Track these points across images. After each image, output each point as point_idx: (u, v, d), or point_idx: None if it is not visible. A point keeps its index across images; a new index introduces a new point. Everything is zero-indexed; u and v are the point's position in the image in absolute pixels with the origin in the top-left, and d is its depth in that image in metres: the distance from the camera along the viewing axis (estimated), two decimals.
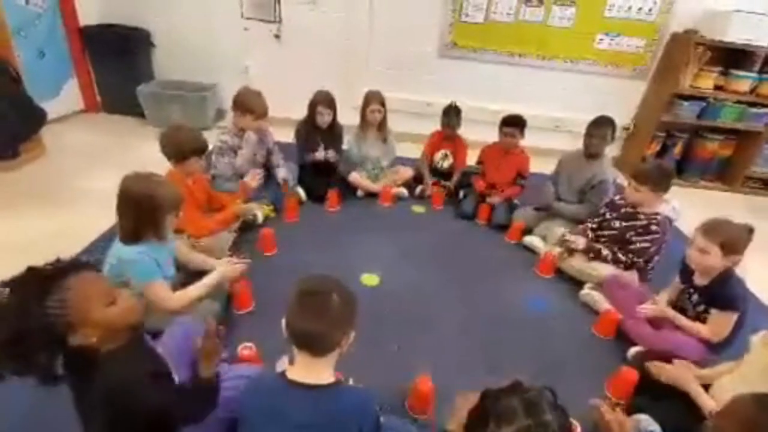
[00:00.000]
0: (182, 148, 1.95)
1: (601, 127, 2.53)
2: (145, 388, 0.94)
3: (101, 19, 3.80)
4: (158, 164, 1.95)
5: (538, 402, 0.83)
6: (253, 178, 2.47)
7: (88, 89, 3.93)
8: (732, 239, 1.63)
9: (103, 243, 1.92)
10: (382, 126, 3.02)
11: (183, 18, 3.86)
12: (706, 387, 1.45)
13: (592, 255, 2.29)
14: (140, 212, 1.43)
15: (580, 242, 2.32)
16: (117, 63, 3.77)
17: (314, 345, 0.98)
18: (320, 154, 2.92)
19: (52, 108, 3.34)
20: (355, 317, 1.03)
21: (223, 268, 1.76)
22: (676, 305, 1.88)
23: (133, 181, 1.45)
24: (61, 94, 3.69)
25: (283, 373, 1.01)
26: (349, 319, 1.01)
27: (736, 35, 3.36)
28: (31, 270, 0.89)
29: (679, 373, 1.46)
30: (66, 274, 0.89)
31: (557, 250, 2.42)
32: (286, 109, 3.24)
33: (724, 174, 4.04)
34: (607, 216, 2.36)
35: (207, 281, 1.66)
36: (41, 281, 0.87)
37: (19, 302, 0.83)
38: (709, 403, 1.35)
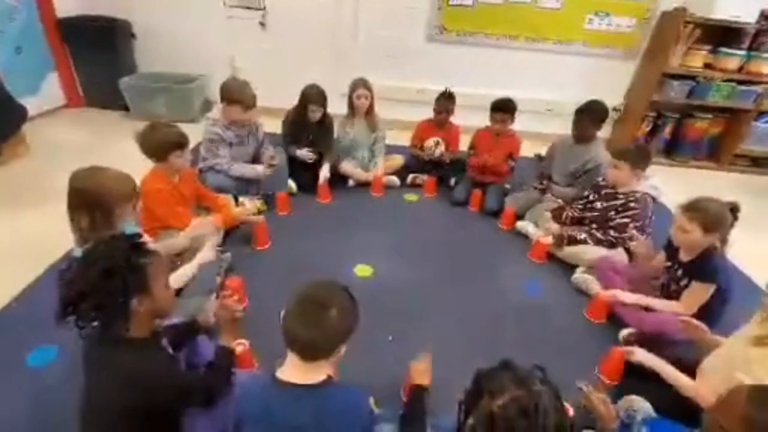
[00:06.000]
0: (161, 145, 1.89)
1: (586, 113, 2.55)
2: (168, 374, 1.10)
3: (79, 11, 3.68)
4: (143, 158, 1.91)
5: (528, 376, 0.87)
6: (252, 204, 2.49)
7: (70, 84, 3.84)
8: (712, 217, 1.65)
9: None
10: (370, 112, 2.98)
11: (164, 8, 3.76)
12: (694, 368, 1.48)
13: (566, 242, 2.33)
14: (92, 208, 1.39)
15: (553, 228, 2.40)
16: (98, 56, 3.68)
17: (303, 351, 0.98)
18: (302, 153, 2.87)
19: (32, 104, 3.27)
20: (351, 333, 1.03)
21: (203, 254, 1.76)
22: (660, 281, 1.93)
23: (80, 176, 1.42)
24: (42, 90, 3.60)
25: (274, 375, 1.01)
26: (342, 335, 1.00)
27: (723, 12, 3.35)
28: (130, 236, 1.15)
29: (647, 357, 1.47)
30: (149, 249, 1.12)
31: (548, 226, 2.48)
32: (274, 98, 3.19)
33: (714, 153, 4.06)
34: (591, 198, 2.41)
35: (187, 271, 1.68)
36: (136, 243, 1.09)
37: (118, 248, 1.04)
38: (687, 382, 1.38)
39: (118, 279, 0.99)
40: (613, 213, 2.25)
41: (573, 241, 2.31)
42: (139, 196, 1.54)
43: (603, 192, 2.34)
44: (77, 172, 1.43)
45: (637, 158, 2.18)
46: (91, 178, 1.41)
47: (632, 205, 2.19)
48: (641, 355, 1.51)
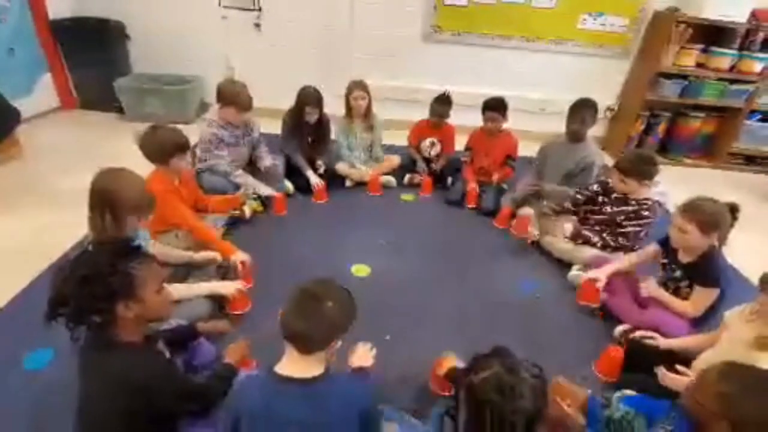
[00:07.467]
0: (163, 148, 1.88)
1: (579, 110, 2.54)
2: (163, 377, 1.10)
3: (72, 12, 3.66)
4: (138, 161, 1.90)
5: (519, 364, 0.94)
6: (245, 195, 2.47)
7: (63, 85, 3.81)
8: (710, 218, 1.66)
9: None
10: (367, 113, 2.99)
11: (157, 8, 3.75)
12: (687, 365, 1.49)
13: (580, 241, 2.31)
14: (103, 207, 1.40)
15: (568, 229, 2.33)
16: (92, 57, 3.65)
17: (300, 343, 1.00)
18: (312, 177, 2.87)
19: (26, 106, 3.25)
20: (347, 327, 1.05)
21: (226, 288, 1.78)
22: (657, 280, 1.93)
23: (101, 175, 1.42)
24: (35, 92, 3.57)
25: (272, 370, 1.02)
26: (339, 328, 1.03)
27: (714, 12, 3.39)
28: (122, 240, 1.19)
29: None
30: (141, 254, 1.11)
31: (546, 209, 2.49)
32: (270, 99, 3.18)
33: (708, 151, 4.09)
34: (599, 200, 2.36)
35: (198, 290, 1.69)
36: (126, 248, 1.09)
37: (104, 254, 1.04)
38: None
39: (98, 285, 0.98)
40: (623, 218, 2.21)
41: (587, 242, 2.29)
42: (148, 210, 1.53)
43: (613, 196, 2.28)
44: (103, 169, 1.44)
45: (643, 172, 2.13)
46: (110, 178, 1.42)
47: (645, 213, 2.16)
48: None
